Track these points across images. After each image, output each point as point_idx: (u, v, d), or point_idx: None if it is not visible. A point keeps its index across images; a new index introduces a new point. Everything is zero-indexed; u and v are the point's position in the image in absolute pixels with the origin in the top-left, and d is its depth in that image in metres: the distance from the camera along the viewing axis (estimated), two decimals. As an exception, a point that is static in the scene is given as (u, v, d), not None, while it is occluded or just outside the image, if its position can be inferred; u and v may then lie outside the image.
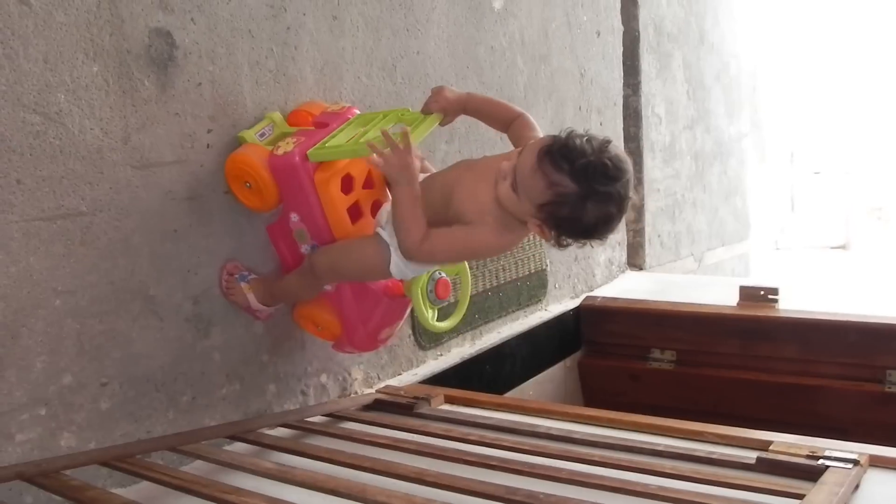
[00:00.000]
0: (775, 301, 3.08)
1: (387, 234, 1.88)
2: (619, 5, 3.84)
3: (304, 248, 2.03)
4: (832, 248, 9.03)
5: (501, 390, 2.86)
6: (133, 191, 1.79)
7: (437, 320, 2.08)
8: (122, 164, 1.77)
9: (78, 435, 1.72)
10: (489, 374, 2.82)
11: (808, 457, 1.69)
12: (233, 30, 2.00)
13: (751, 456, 1.73)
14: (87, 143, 1.70)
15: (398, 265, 1.88)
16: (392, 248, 1.86)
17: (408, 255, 1.81)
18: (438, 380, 2.57)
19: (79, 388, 1.72)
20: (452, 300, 2.12)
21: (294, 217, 1.98)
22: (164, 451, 1.75)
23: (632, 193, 1.66)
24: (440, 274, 2.01)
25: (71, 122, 1.67)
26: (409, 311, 2.17)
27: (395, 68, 2.48)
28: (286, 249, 2.08)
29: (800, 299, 3.16)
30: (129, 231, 1.79)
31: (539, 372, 3.13)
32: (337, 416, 2.08)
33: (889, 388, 2.84)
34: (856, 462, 1.65)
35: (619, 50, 3.86)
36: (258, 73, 2.06)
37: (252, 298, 2.00)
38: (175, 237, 1.88)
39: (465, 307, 2.17)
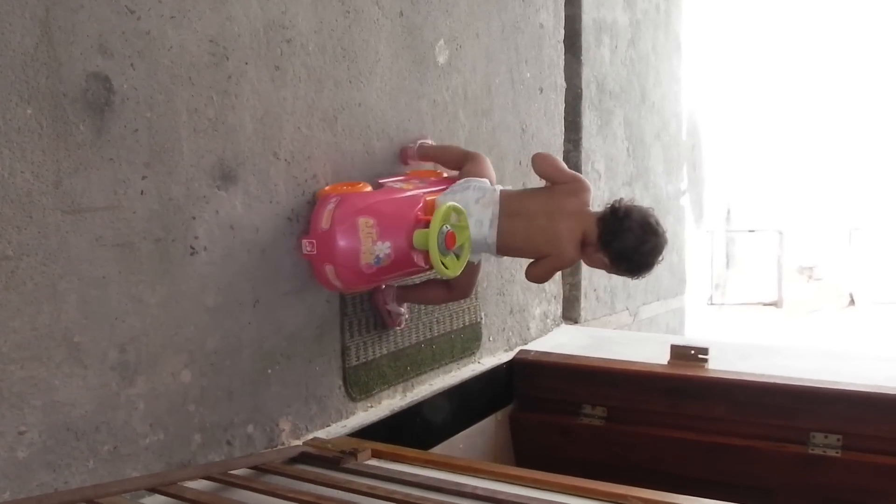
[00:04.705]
0: (705, 361, 3.13)
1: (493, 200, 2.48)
2: (562, 63, 3.90)
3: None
4: (765, 304, 9.21)
5: (432, 443, 2.85)
6: (62, 236, 1.77)
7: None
8: (52, 208, 1.75)
9: (-9, 485, 1.68)
10: (419, 427, 2.81)
11: (727, 524, 1.72)
12: (172, 76, 1.99)
13: (672, 521, 1.74)
14: (17, 186, 1.68)
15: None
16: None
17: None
18: (368, 432, 2.55)
19: (-5, 436, 1.68)
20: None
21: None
22: (80, 503, 1.71)
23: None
24: (448, 227, 2.29)
25: (1, 165, 1.65)
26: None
27: (336, 120, 2.50)
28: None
29: (730, 357, 3.21)
30: (55, 276, 1.76)
31: (470, 425, 3.12)
32: (261, 469, 2.06)
33: (812, 449, 2.89)
34: (773, 531, 1.68)
35: (562, 106, 3.92)
36: (196, 120, 2.06)
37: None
38: (103, 283, 1.86)
39: (467, 256, 2.42)
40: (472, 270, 2.59)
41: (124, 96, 1.88)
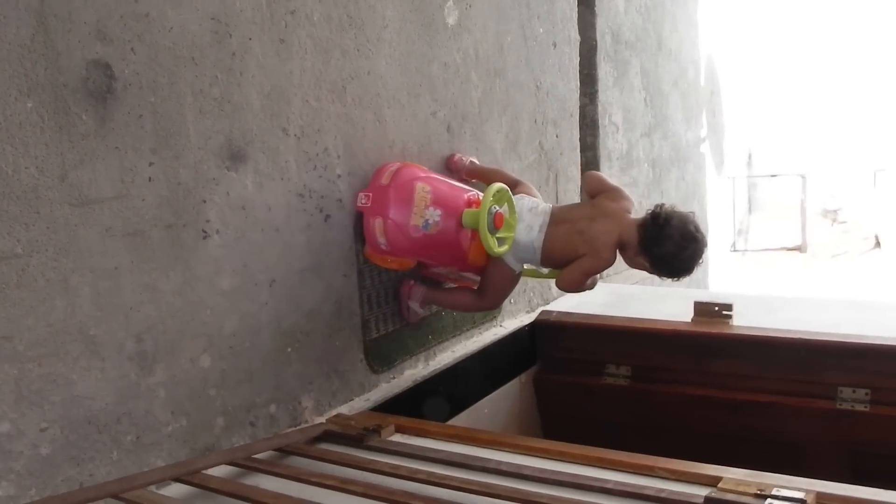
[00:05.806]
0: (729, 317, 3.09)
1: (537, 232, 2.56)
2: (575, 15, 3.82)
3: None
4: (789, 249, 9.12)
5: (455, 410, 2.84)
6: (71, 229, 1.74)
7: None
8: (60, 202, 1.72)
9: (17, 483, 1.67)
10: (443, 395, 2.80)
11: (756, 496, 1.69)
12: (175, 58, 1.95)
13: (700, 493, 1.72)
14: (22, 182, 1.65)
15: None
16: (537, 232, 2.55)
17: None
18: (391, 404, 2.54)
19: (17, 434, 1.67)
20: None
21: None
22: (105, 499, 1.71)
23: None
24: (496, 208, 2.40)
25: (4, 162, 1.62)
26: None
27: (346, 90, 2.45)
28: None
29: (755, 311, 3.16)
30: (67, 271, 1.74)
31: (494, 389, 3.11)
32: (285, 451, 2.05)
33: (840, 404, 2.86)
34: (803, 502, 1.65)
35: (576, 60, 3.84)
36: (202, 101, 2.02)
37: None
38: (116, 274, 1.84)
39: (508, 248, 2.49)
40: (508, 279, 2.64)
41: (126, 82, 1.84)
